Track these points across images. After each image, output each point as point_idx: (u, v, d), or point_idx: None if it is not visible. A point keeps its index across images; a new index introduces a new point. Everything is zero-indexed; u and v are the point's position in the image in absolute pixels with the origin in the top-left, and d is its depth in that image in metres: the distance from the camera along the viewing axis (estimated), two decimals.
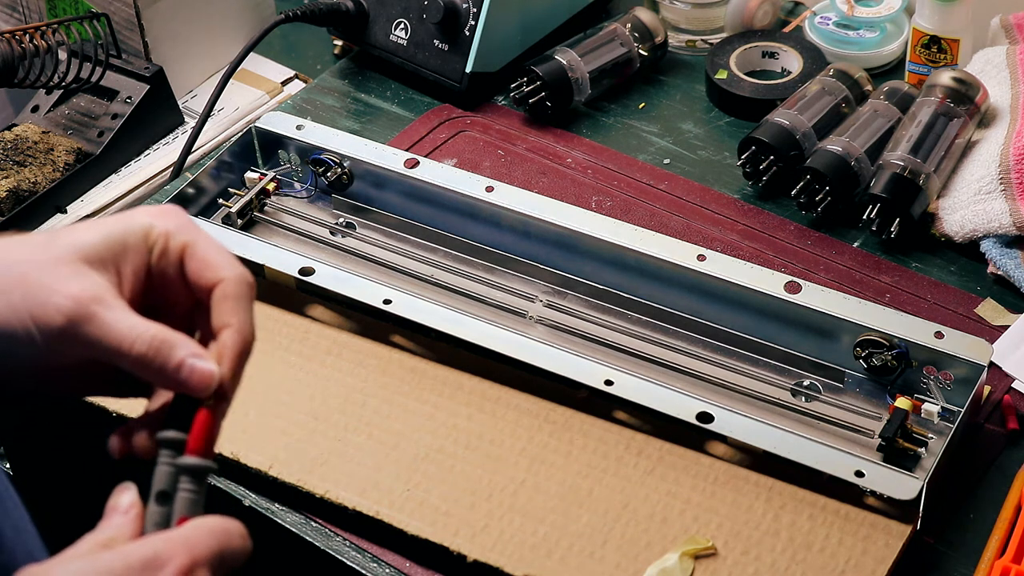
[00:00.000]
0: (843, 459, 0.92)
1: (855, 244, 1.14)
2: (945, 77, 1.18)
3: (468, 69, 1.26)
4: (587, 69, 1.26)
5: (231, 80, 1.28)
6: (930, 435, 0.95)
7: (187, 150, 1.25)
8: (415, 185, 1.12)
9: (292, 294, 1.08)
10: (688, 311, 1.04)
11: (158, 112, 1.29)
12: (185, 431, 0.68)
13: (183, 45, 1.34)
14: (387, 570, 0.92)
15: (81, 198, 1.24)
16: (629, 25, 1.30)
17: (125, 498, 0.67)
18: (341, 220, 1.14)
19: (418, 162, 1.13)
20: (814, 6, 1.35)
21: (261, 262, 1.07)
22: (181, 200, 1.12)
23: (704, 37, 1.35)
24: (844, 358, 1.00)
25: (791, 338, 1.01)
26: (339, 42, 1.38)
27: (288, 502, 0.96)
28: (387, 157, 1.13)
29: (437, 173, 1.12)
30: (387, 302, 1.03)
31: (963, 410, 0.94)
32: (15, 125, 1.27)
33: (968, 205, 1.11)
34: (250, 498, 0.97)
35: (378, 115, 1.29)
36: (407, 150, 1.19)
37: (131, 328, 0.67)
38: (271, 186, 1.15)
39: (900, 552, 0.90)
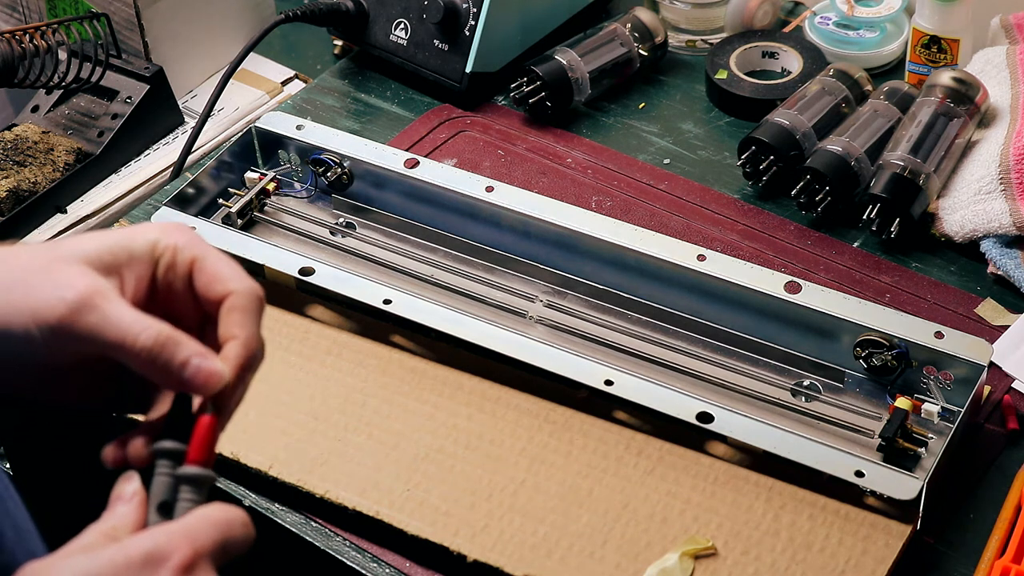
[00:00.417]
0: (843, 459, 0.92)
1: (855, 244, 1.14)
2: (945, 77, 1.18)
3: (468, 69, 1.26)
4: (587, 69, 1.26)
5: (231, 80, 1.28)
6: (930, 435, 0.95)
7: (187, 150, 1.25)
8: (415, 185, 1.12)
9: (292, 294, 1.08)
10: (688, 311, 1.04)
11: (158, 112, 1.29)
12: (182, 442, 0.67)
13: (183, 45, 1.34)
14: (387, 570, 0.92)
15: (81, 198, 1.24)
16: (629, 25, 1.30)
17: (129, 487, 0.66)
18: (341, 220, 1.14)
19: (418, 162, 1.13)
20: (814, 6, 1.35)
21: (261, 262, 1.07)
22: (181, 200, 1.12)
23: (704, 37, 1.35)
24: (844, 358, 1.00)
25: (791, 338, 1.01)
26: (339, 42, 1.38)
27: (288, 502, 0.96)
28: (387, 157, 1.13)
29: (437, 173, 1.12)
30: (387, 302, 1.03)
31: (963, 410, 0.94)
32: (15, 125, 1.27)
33: (968, 205, 1.11)
34: (250, 498, 0.97)
35: (378, 115, 1.29)
36: (407, 150, 1.19)
37: (136, 320, 0.67)
38: (271, 186, 1.15)
39: (900, 552, 0.90)
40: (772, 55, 1.31)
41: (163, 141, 1.30)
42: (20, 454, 1.22)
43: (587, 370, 0.98)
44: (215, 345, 0.70)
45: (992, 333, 1.05)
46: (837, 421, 0.97)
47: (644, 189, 1.19)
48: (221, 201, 1.14)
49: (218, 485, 0.97)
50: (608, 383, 0.97)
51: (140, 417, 0.72)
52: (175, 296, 0.70)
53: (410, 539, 0.92)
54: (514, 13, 1.28)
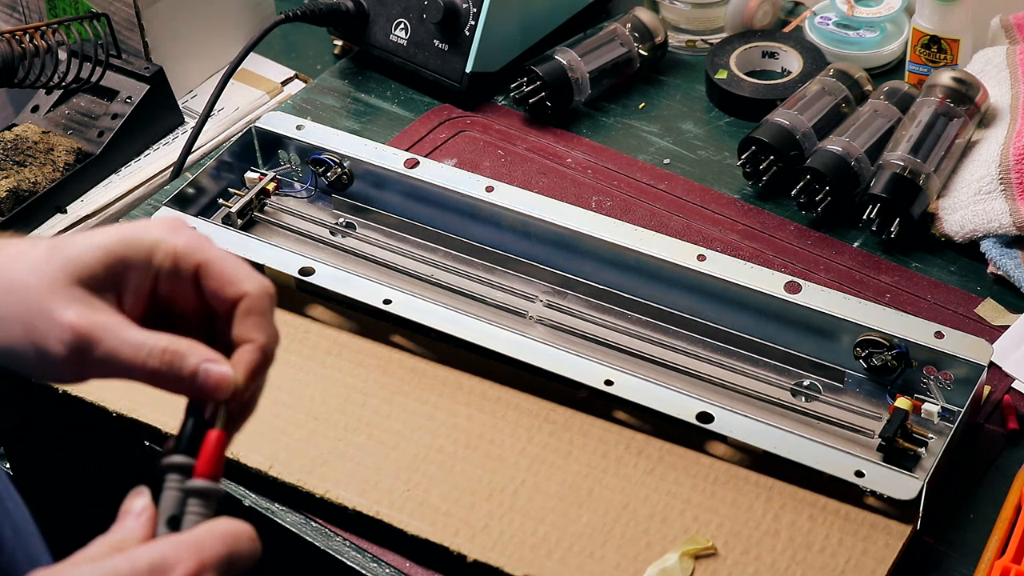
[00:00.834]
0: (843, 459, 0.92)
1: (855, 244, 1.14)
2: (945, 77, 1.18)
3: (468, 69, 1.26)
4: (587, 69, 1.26)
5: (231, 80, 1.28)
6: (930, 435, 0.95)
7: (187, 150, 1.25)
8: (415, 185, 1.12)
9: (292, 294, 1.08)
10: (688, 311, 1.04)
11: (158, 112, 1.29)
12: (192, 457, 0.67)
13: (183, 45, 1.34)
14: (387, 570, 0.92)
15: (81, 198, 1.24)
16: (629, 25, 1.30)
17: (138, 502, 0.66)
18: (341, 220, 1.14)
19: (418, 162, 1.13)
20: (814, 6, 1.35)
21: (261, 262, 1.07)
22: (181, 200, 1.12)
23: (704, 37, 1.35)
24: (844, 358, 1.00)
25: (791, 338, 1.01)
26: (339, 42, 1.38)
27: (288, 502, 0.96)
28: (387, 157, 1.13)
29: (437, 173, 1.12)
30: (387, 302, 1.03)
31: (963, 410, 0.94)
32: (15, 125, 1.27)
33: (968, 205, 1.11)
34: (250, 498, 0.97)
35: (378, 115, 1.29)
36: (407, 150, 1.19)
37: (140, 346, 0.66)
38: (271, 186, 1.15)
39: (900, 552, 0.90)
40: (772, 55, 1.31)
41: (163, 141, 1.30)
42: (20, 454, 1.22)
43: (587, 370, 0.98)
44: (225, 339, 0.69)
45: (992, 333, 1.05)
46: (837, 421, 0.97)
47: (644, 189, 1.19)
48: (221, 201, 1.14)
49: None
50: (608, 383, 0.97)
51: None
52: (179, 296, 0.70)
53: (410, 539, 0.92)
54: (514, 13, 1.28)
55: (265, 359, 0.69)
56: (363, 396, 1.01)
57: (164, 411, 1.00)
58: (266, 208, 1.15)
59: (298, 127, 1.16)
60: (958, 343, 0.97)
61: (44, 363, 0.66)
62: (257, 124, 1.17)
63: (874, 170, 1.14)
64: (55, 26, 1.23)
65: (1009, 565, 0.89)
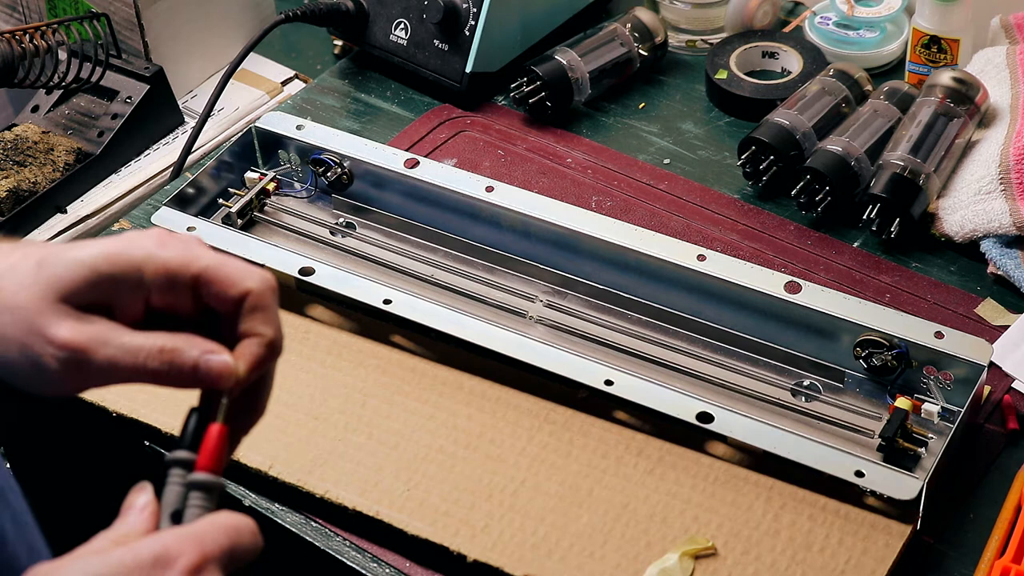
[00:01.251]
0: (843, 459, 0.92)
1: (855, 244, 1.14)
2: (945, 77, 1.18)
3: (468, 69, 1.26)
4: (587, 69, 1.26)
5: (231, 80, 1.28)
6: (930, 435, 0.95)
7: (187, 150, 1.25)
8: (415, 185, 1.12)
9: (292, 294, 1.08)
10: (688, 311, 1.04)
11: (158, 112, 1.29)
12: (195, 452, 0.67)
13: (183, 45, 1.34)
14: (387, 570, 0.92)
15: (81, 198, 1.24)
16: (629, 25, 1.30)
17: (141, 497, 0.66)
18: (341, 220, 1.14)
19: (418, 162, 1.13)
20: (814, 6, 1.35)
21: (261, 262, 1.07)
22: (181, 200, 1.12)
23: (704, 37, 1.35)
24: (844, 358, 1.00)
25: (791, 338, 1.01)
26: (339, 42, 1.38)
27: (288, 502, 0.96)
28: (387, 157, 1.13)
29: (437, 173, 1.12)
30: (387, 302, 1.03)
31: (963, 410, 0.94)
32: (15, 125, 1.27)
33: (968, 205, 1.11)
34: (250, 498, 0.97)
35: (378, 115, 1.29)
36: (407, 150, 1.19)
37: (137, 350, 0.66)
38: (271, 186, 1.15)
39: (900, 552, 0.90)
40: (772, 55, 1.31)
41: (163, 141, 1.30)
42: (20, 454, 1.22)
43: (587, 370, 0.98)
44: (232, 336, 0.69)
45: (992, 333, 1.05)
46: (837, 421, 0.97)
47: (644, 189, 1.19)
48: (221, 201, 1.14)
49: None
50: (608, 383, 0.97)
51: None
52: (177, 304, 0.69)
53: (410, 539, 0.92)
54: (514, 13, 1.28)
55: (270, 352, 0.69)
56: (363, 396, 1.01)
57: (164, 411, 1.00)
58: (266, 208, 1.15)
59: (298, 127, 1.16)
60: (958, 343, 0.97)
61: (43, 379, 0.67)
62: (257, 124, 1.17)
63: (874, 170, 1.14)
64: (55, 26, 1.23)
65: (1009, 565, 0.89)
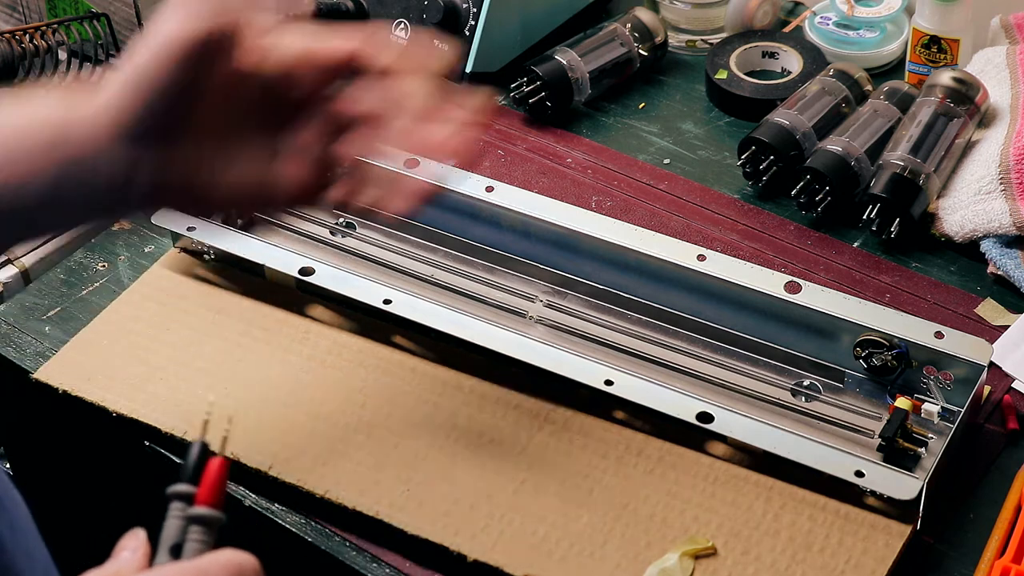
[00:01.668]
0: (843, 459, 0.92)
1: (855, 244, 1.14)
2: (945, 77, 1.18)
3: (468, 69, 1.26)
4: (587, 69, 1.26)
5: None
6: (930, 435, 0.95)
7: None
8: None
9: (292, 294, 1.08)
10: (688, 311, 1.04)
11: None
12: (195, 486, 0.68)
13: None
14: (387, 570, 0.92)
15: None
16: (629, 25, 1.30)
17: (133, 540, 0.66)
18: (341, 220, 1.14)
19: (418, 162, 1.13)
20: (814, 6, 1.35)
21: (261, 262, 1.07)
22: None
23: (704, 37, 1.35)
24: (844, 358, 1.00)
25: (791, 338, 1.01)
26: None
27: (288, 502, 0.96)
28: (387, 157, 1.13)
29: (437, 173, 1.12)
30: (387, 302, 1.03)
31: (963, 410, 0.94)
32: None
33: (968, 205, 1.11)
34: (250, 498, 0.97)
35: None
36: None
37: (283, 44, 0.69)
38: None
39: (900, 552, 0.90)
40: (772, 55, 1.31)
41: None
42: (20, 454, 1.22)
43: (587, 370, 0.98)
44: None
45: (992, 333, 1.05)
46: (837, 421, 0.97)
47: (644, 189, 1.19)
48: None
49: None
50: (608, 383, 0.97)
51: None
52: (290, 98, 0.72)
53: (410, 539, 0.92)
54: (514, 13, 1.28)
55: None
56: (363, 396, 1.01)
57: (164, 411, 1.00)
58: None
59: None
60: (958, 343, 0.97)
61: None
62: None
63: (874, 170, 1.14)
64: (55, 26, 1.23)
65: (1009, 565, 0.89)
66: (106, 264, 1.15)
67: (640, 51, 1.29)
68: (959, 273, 1.11)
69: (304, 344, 1.05)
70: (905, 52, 1.27)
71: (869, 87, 1.23)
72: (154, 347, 1.05)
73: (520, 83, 1.25)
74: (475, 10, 1.25)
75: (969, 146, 1.17)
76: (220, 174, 0.75)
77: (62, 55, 1.24)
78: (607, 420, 0.98)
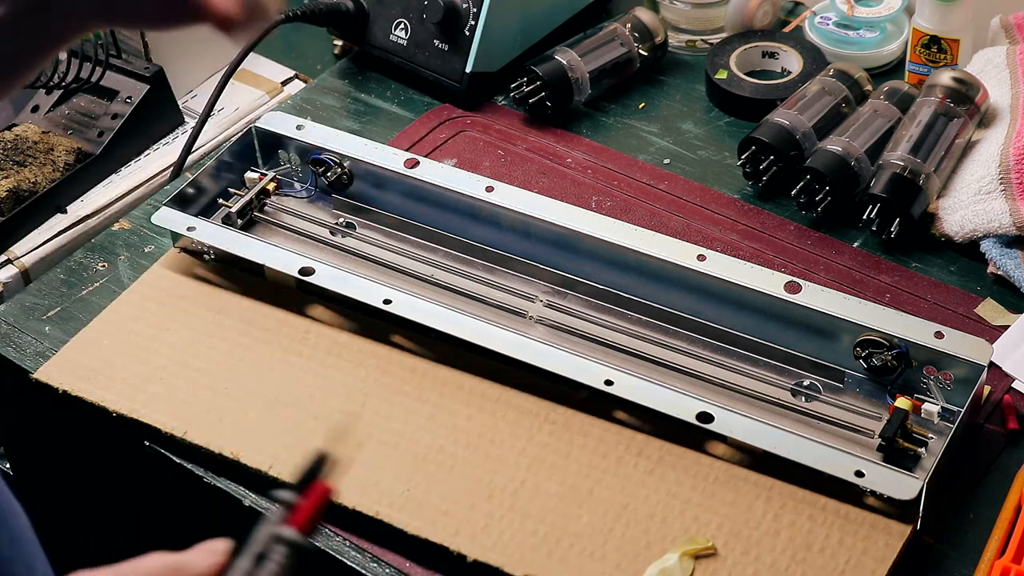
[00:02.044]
0: (843, 459, 0.92)
1: (855, 244, 1.14)
2: (945, 77, 1.18)
3: (468, 69, 1.26)
4: (587, 69, 1.26)
5: (231, 80, 1.28)
6: (930, 435, 0.95)
7: (187, 150, 1.25)
8: (415, 185, 1.12)
9: (292, 294, 1.08)
10: (688, 311, 1.04)
11: (158, 112, 1.29)
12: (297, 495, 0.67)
13: (183, 45, 1.34)
14: (387, 570, 0.92)
15: (81, 198, 1.24)
16: (629, 25, 1.30)
17: (221, 544, 0.66)
18: (341, 220, 1.14)
19: (418, 162, 1.13)
20: (814, 6, 1.35)
21: (261, 262, 1.07)
22: (181, 200, 1.12)
23: (704, 37, 1.35)
24: (844, 358, 1.00)
25: (791, 338, 1.01)
26: (339, 42, 1.38)
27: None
28: (387, 157, 1.13)
29: (437, 173, 1.12)
30: (387, 302, 1.03)
31: (963, 410, 0.94)
32: (15, 125, 1.27)
33: (968, 205, 1.11)
34: (250, 498, 0.97)
35: (378, 115, 1.29)
36: (407, 150, 1.19)
37: None
38: (271, 186, 1.15)
39: (900, 552, 0.90)
40: (772, 55, 1.31)
41: (163, 141, 1.30)
42: (20, 454, 1.22)
43: (587, 370, 0.98)
44: None
45: (992, 333, 1.05)
46: (837, 421, 0.97)
47: (644, 189, 1.19)
48: (221, 201, 1.14)
49: (218, 485, 0.97)
50: (608, 383, 0.97)
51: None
52: None
53: (410, 539, 0.92)
54: (514, 13, 1.28)
55: None
56: (363, 396, 1.01)
57: (164, 411, 1.00)
58: (266, 208, 1.15)
59: (298, 127, 1.16)
60: (958, 343, 0.97)
61: None
62: (257, 124, 1.17)
63: (874, 170, 1.14)
64: None
65: (1009, 565, 0.89)
66: (106, 264, 1.15)
67: (640, 51, 1.29)
68: (959, 273, 1.11)
69: (304, 344, 1.05)
70: (905, 52, 1.27)
71: (869, 87, 1.23)
72: (154, 347, 1.05)
73: (520, 83, 1.25)
74: (475, 10, 1.25)
75: (969, 146, 1.17)
76: None
77: (62, 55, 1.24)
78: (607, 420, 0.98)
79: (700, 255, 1.04)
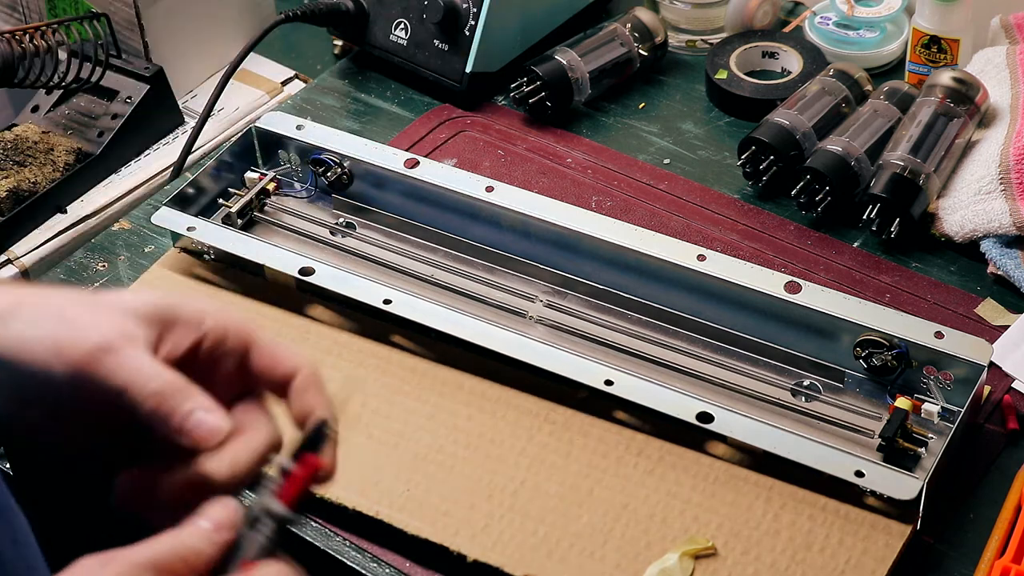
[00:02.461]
0: (843, 459, 0.92)
1: (855, 244, 1.14)
2: (945, 77, 1.18)
3: (468, 69, 1.26)
4: (587, 69, 1.26)
5: (231, 80, 1.28)
6: (930, 435, 0.95)
7: (187, 150, 1.25)
8: (415, 185, 1.12)
9: (292, 294, 1.08)
10: (688, 311, 1.04)
11: (158, 112, 1.29)
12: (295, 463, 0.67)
13: (183, 45, 1.34)
14: (387, 570, 0.92)
15: (81, 198, 1.24)
16: (629, 25, 1.30)
17: (221, 512, 0.66)
18: (341, 220, 1.14)
19: (418, 162, 1.13)
20: (814, 6, 1.35)
21: (261, 262, 1.07)
22: (181, 200, 1.12)
23: (704, 37, 1.35)
24: (844, 358, 1.00)
25: (791, 338, 1.01)
26: (339, 42, 1.38)
27: None
28: (387, 157, 1.13)
29: (437, 173, 1.12)
30: (387, 302, 1.03)
31: (963, 410, 0.94)
32: (15, 125, 1.27)
33: (968, 205, 1.11)
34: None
35: (378, 115, 1.29)
36: (407, 150, 1.19)
37: (150, 367, 0.67)
38: (271, 186, 1.15)
39: (900, 552, 0.90)
40: (772, 55, 1.31)
41: (163, 141, 1.30)
42: (20, 454, 1.22)
43: (587, 370, 0.98)
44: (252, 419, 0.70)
45: (992, 333, 1.05)
46: (837, 421, 0.97)
47: (644, 189, 1.19)
48: (221, 201, 1.14)
49: None
50: (608, 383, 0.97)
51: None
52: (217, 374, 0.70)
53: (410, 539, 0.92)
54: (514, 13, 1.28)
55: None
56: (363, 396, 1.01)
57: None
58: (266, 208, 1.15)
59: (298, 127, 1.16)
60: (958, 343, 0.97)
61: (52, 370, 0.66)
62: (257, 124, 1.17)
63: (874, 170, 1.14)
64: (55, 26, 1.23)
65: (1009, 565, 0.89)
66: (106, 264, 1.15)
67: (640, 51, 1.29)
68: (959, 273, 1.11)
69: (304, 344, 1.05)
70: (905, 52, 1.27)
71: (869, 87, 1.23)
72: None
73: (520, 83, 1.25)
74: (475, 10, 1.25)
75: (969, 146, 1.17)
76: None
77: (62, 55, 1.24)
78: (607, 420, 0.98)
79: (700, 255, 1.04)
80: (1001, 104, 1.19)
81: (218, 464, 0.68)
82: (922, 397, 0.98)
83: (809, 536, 0.91)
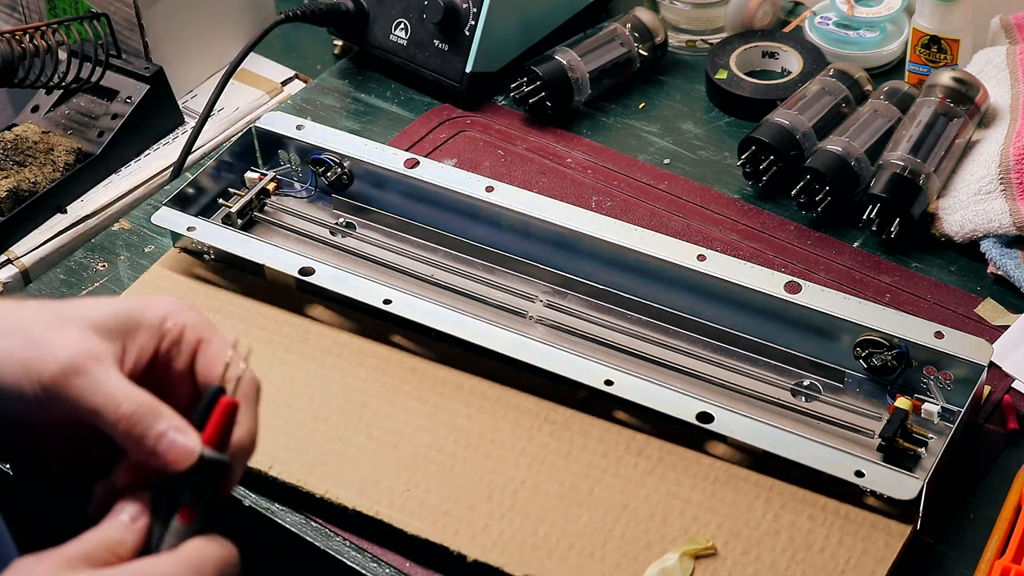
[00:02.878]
0: (843, 459, 0.92)
1: (855, 244, 1.14)
2: (945, 77, 1.18)
3: (468, 69, 1.26)
4: (587, 69, 1.26)
5: (231, 80, 1.28)
6: (930, 435, 0.95)
7: (187, 150, 1.25)
8: (415, 185, 1.12)
9: (292, 294, 1.08)
10: (688, 311, 1.04)
11: (158, 112, 1.29)
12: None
13: (183, 45, 1.34)
14: (387, 570, 0.92)
15: (81, 198, 1.24)
16: (629, 25, 1.30)
17: (133, 508, 0.67)
18: (341, 220, 1.14)
19: (418, 162, 1.13)
20: (814, 6, 1.35)
21: (261, 262, 1.07)
22: (181, 200, 1.12)
23: (704, 37, 1.35)
24: (844, 358, 1.00)
25: (791, 338, 1.01)
26: (339, 42, 1.38)
27: (288, 502, 0.96)
28: (387, 157, 1.13)
29: (437, 173, 1.12)
30: (387, 302, 1.03)
31: (963, 410, 0.94)
32: (15, 125, 1.27)
33: (968, 205, 1.11)
34: (250, 498, 0.97)
35: (378, 115, 1.29)
36: (407, 150, 1.19)
37: (120, 388, 0.67)
38: (271, 186, 1.15)
39: (900, 552, 0.90)
40: (772, 55, 1.31)
41: (163, 141, 1.30)
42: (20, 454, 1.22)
43: (587, 370, 0.98)
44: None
45: (992, 333, 1.05)
46: (837, 421, 0.97)
47: (644, 189, 1.19)
48: (221, 201, 1.14)
49: None
50: (608, 383, 0.97)
51: None
52: (172, 373, 0.71)
53: (410, 539, 0.92)
54: (514, 13, 1.28)
55: (248, 447, 0.71)
56: (363, 396, 1.01)
57: None
58: (266, 208, 1.15)
59: (298, 127, 1.16)
60: (958, 343, 0.97)
61: (22, 389, 0.67)
62: (257, 124, 1.17)
63: (874, 170, 1.14)
64: (55, 26, 1.23)
65: (1009, 565, 0.89)
66: (106, 264, 1.15)
67: (640, 51, 1.29)
68: (959, 273, 1.11)
69: (304, 344, 1.05)
70: (905, 52, 1.27)
71: (869, 87, 1.23)
72: None
73: (520, 83, 1.25)
74: (475, 10, 1.25)
75: (969, 146, 1.17)
76: None
77: (62, 55, 1.24)
78: (607, 420, 0.98)
79: (700, 255, 1.04)
80: (1001, 104, 1.19)
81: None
82: (922, 397, 0.98)
83: (809, 536, 0.91)
